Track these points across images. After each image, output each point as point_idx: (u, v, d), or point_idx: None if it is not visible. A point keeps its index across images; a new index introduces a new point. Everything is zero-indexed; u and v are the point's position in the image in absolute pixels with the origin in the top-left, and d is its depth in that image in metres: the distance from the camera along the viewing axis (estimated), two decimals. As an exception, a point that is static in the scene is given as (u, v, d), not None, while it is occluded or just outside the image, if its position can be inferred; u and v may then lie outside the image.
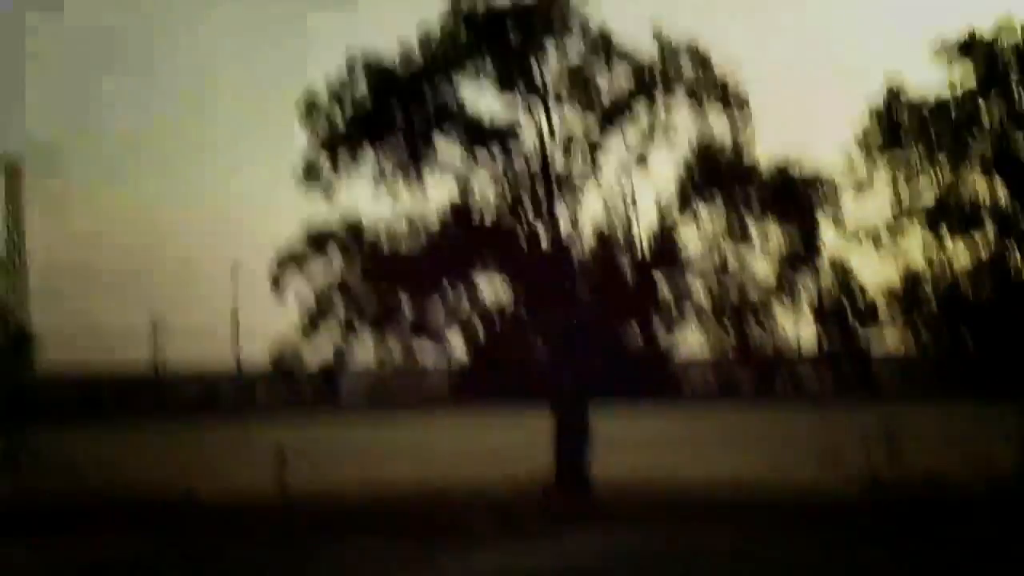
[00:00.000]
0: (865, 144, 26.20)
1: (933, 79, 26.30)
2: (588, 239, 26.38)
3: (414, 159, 25.65)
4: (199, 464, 36.25)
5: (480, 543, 16.90)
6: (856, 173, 26.09)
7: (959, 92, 26.18)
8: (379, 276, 25.58)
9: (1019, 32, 25.98)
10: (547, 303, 25.83)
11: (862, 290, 26.15)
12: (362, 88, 25.70)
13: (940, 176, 26.10)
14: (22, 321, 42.81)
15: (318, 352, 26.18)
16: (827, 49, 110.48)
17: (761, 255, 26.06)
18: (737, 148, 25.86)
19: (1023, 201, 25.79)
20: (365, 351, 26.27)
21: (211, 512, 23.19)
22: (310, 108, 25.81)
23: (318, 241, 25.67)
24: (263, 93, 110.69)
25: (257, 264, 28.12)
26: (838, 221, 26.08)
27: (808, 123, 71.81)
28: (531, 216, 26.02)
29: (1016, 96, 26.01)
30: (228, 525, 20.22)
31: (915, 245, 26.39)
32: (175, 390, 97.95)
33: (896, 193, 26.25)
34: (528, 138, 25.91)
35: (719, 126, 25.85)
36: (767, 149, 26.02)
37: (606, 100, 26.00)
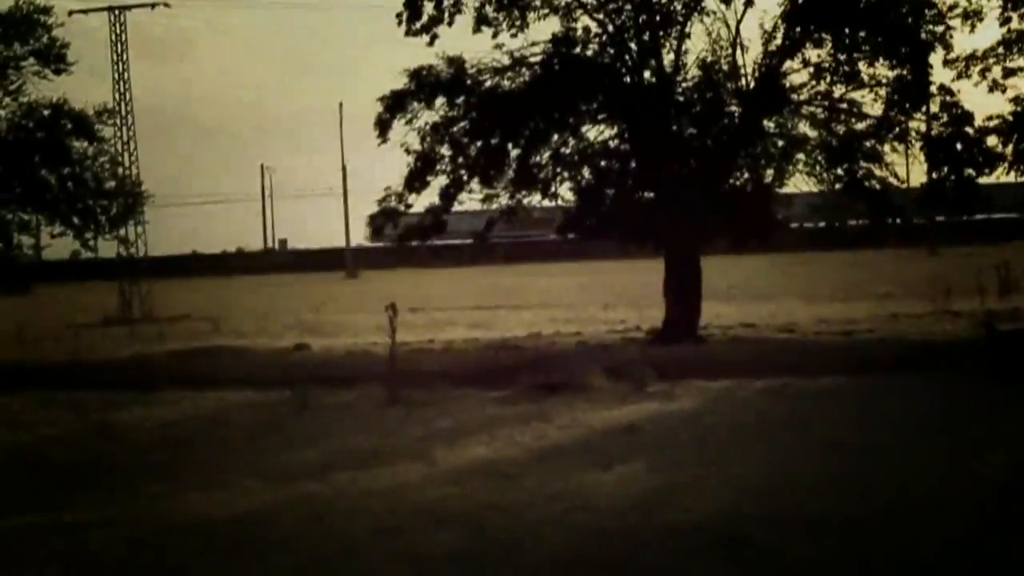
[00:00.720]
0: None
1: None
2: (692, 76, 25.66)
3: None
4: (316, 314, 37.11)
5: (589, 395, 16.81)
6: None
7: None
8: (483, 117, 25.05)
9: None
10: (653, 143, 25.24)
11: (973, 124, 25.10)
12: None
13: None
14: (134, 178, 43.20)
15: (424, 201, 25.89)
16: None
17: (869, 93, 25.10)
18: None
19: None
20: (471, 200, 25.98)
21: (320, 360, 23.72)
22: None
23: (422, 81, 25.09)
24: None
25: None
26: (948, 52, 25.18)
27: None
28: (635, 52, 25.39)
29: None
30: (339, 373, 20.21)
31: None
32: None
33: (1006, 18, 25.18)
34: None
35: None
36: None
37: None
